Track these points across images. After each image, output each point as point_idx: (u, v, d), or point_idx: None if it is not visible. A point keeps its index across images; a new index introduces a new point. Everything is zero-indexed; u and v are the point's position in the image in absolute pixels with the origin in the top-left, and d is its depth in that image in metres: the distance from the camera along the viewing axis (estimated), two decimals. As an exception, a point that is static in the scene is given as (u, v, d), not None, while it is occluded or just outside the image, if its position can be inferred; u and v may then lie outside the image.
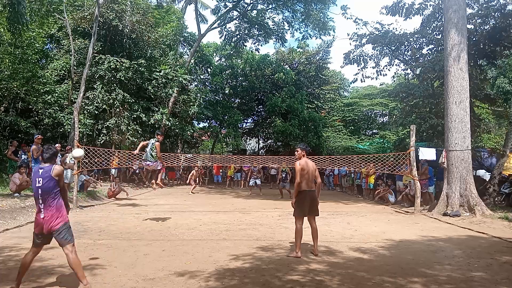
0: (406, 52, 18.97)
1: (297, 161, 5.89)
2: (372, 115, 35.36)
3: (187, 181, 16.97)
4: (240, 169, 21.60)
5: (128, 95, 19.07)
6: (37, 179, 3.91)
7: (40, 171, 3.94)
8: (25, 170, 10.45)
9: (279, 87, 28.45)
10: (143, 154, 9.04)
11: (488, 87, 16.23)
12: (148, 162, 8.73)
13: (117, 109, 18.92)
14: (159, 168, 8.84)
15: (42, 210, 3.89)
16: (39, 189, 3.89)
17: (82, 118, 16.97)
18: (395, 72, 21.49)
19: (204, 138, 29.81)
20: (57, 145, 13.60)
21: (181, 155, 20.17)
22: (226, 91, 28.84)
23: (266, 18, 24.31)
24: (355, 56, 19.00)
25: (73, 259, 3.93)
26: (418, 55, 18.34)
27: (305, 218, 5.81)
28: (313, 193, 5.82)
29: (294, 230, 5.68)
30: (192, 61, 25.19)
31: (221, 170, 22.67)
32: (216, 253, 5.70)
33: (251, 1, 23.77)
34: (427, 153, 12.32)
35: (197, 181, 17.77)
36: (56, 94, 17.60)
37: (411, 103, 18.50)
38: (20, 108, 17.29)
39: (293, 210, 5.81)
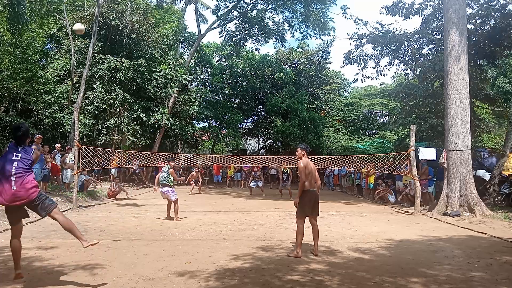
0: (406, 52, 18.98)
1: (299, 160, 5.85)
2: (372, 115, 35.34)
3: (185, 181, 16.90)
4: (240, 169, 21.61)
5: (128, 95, 19.06)
6: (14, 153, 3.90)
7: (19, 148, 3.96)
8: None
9: (279, 87, 28.44)
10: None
11: (488, 87, 16.23)
12: (167, 189, 9.11)
13: (117, 109, 18.91)
14: (173, 199, 9.13)
15: (13, 181, 3.80)
16: (15, 162, 3.85)
17: (82, 118, 16.96)
18: (395, 72, 21.50)
19: (204, 138, 29.81)
20: (57, 145, 13.65)
21: (181, 155, 20.18)
22: (226, 91, 28.83)
23: (266, 18, 24.30)
24: (355, 56, 19.01)
25: (65, 221, 3.97)
26: (418, 55, 18.34)
27: (306, 218, 5.80)
28: (316, 193, 5.80)
29: (296, 230, 5.67)
30: (192, 61, 25.18)
31: (221, 170, 22.67)
32: (216, 253, 5.70)
33: (251, 1, 23.76)
34: (427, 153, 12.33)
35: (198, 182, 17.61)
36: (56, 94, 17.59)
37: (411, 103, 18.50)
38: (20, 108, 17.28)
39: (296, 209, 5.78)
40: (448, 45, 11.07)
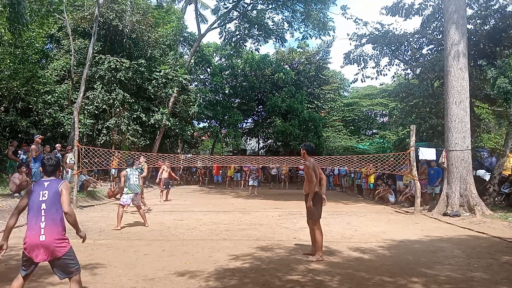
0: (406, 52, 18.97)
1: (305, 162, 5.61)
2: (372, 115, 35.34)
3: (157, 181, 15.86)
4: (240, 169, 21.60)
5: (128, 95, 19.07)
6: (41, 192, 3.21)
7: (45, 183, 3.28)
8: (25, 170, 10.45)
9: (279, 87, 28.44)
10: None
11: (488, 87, 16.22)
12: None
13: (117, 109, 18.92)
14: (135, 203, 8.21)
15: (43, 229, 3.11)
16: (43, 203, 3.17)
17: (82, 118, 16.96)
18: (395, 72, 21.50)
19: (204, 138, 29.80)
20: (57, 145, 13.63)
21: (181, 155, 20.18)
22: (226, 91, 28.83)
23: (266, 18, 24.30)
24: (355, 56, 19.00)
25: None
26: (418, 55, 18.33)
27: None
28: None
29: (318, 233, 5.40)
30: (192, 61, 25.19)
31: (221, 170, 22.66)
32: (216, 253, 5.70)
33: (251, 1, 23.76)
34: (427, 153, 12.32)
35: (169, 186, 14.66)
36: (56, 94, 17.60)
37: (411, 103, 18.49)
38: (20, 108, 17.27)
39: (311, 213, 5.45)
40: (448, 45, 11.07)
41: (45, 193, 3.19)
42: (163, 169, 13.40)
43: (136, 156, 12.84)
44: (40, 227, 3.09)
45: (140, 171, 8.38)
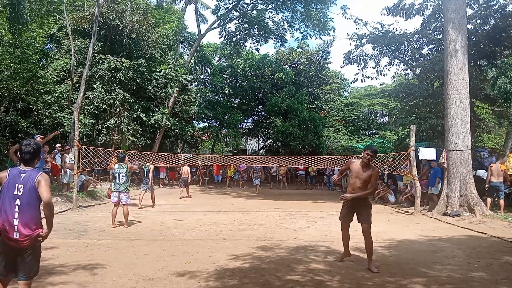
0: (406, 52, 18.99)
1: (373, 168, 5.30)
2: (372, 115, 35.34)
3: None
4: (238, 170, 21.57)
5: (128, 95, 19.06)
6: (16, 185, 3.02)
7: (22, 175, 3.05)
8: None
9: (279, 87, 28.43)
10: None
11: (488, 87, 16.23)
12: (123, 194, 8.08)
13: (117, 109, 18.91)
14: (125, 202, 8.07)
15: (16, 226, 2.96)
16: (17, 199, 2.99)
17: (82, 118, 16.96)
18: (395, 72, 21.50)
19: (204, 138, 29.80)
20: (57, 145, 13.64)
21: (181, 155, 20.17)
22: (226, 91, 28.81)
23: (266, 18, 24.29)
24: (355, 56, 19.02)
25: None
26: (418, 55, 18.34)
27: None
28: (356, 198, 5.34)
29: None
30: (192, 61, 25.18)
31: (221, 170, 22.64)
32: (216, 253, 5.70)
33: (251, 1, 23.75)
34: (427, 153, 12.32)
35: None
36: (56, 94, 17.58)
37: (411, 103, 18.50)
38: (20, 108, 17.26)
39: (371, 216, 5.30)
40: (448, 45, 11.07)
41: (21, 187, 3.01)
42: (187, 170, 15.18)
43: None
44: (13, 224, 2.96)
45: (125, 169, 8.10)
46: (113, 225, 7.83)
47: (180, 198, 14.31)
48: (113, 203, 8.06)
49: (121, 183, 8.02)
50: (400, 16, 16.85)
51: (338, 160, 15.21)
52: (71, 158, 12.14)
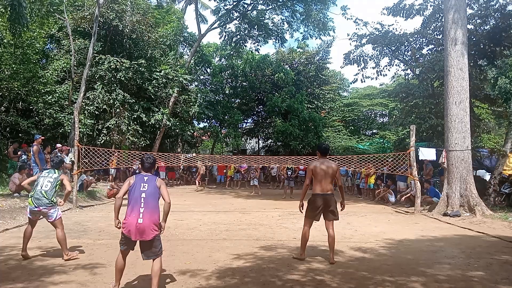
0: (406, 52, 18.98)
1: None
2: (372, 115, 35.34)
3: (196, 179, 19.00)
4: (239, 170, 21.57)
5: (128, 95, 19.06)
6: (142, 184, 4.06)
7: (145, 178, 4.11)
8: (26, 172, 10.45)
9: (279, 87, 28.43)
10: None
11: (488, 87, 16.24)
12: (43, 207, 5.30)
13: (117, 109, 18.91)
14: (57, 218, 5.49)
15: (141, 214, 4.01)
16: (143, 193, 4.02)
17: (82, 118, 16.96)
18: (395, 72, 21.50)
19: (204, 138, 29.81)
20: (58, 145, 13.65)
21: (181, 154, 20.18)
22: (226, 91, 28.83)
23: (266, 18, 24.30)
24: (355, 57, 19.01)
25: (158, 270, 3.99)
26: (418, 55, 18.34)
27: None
28: (326, 197, 5.84)
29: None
30: (192, 61, 25.19)
31: (224, 170, 22.58)
32: (216, 253, 5.71)
33: (251, 2, 23.76)
34: (427, 153, 12.31)
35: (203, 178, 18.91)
36: (57, 94, 17.58)
37: (411, 103, 18.48)
38: (21, 108, 17.28)
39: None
40: (448, 45, 11.08)
41: (145, 185, 4.05)
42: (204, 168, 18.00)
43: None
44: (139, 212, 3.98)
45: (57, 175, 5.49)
46: None
47: (196, 191, 17.86)
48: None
49: (44, 192, 5.38)
50: (400, 16, 16.85)
51: (338, 160, 15.21)
52: (70, 159, 12.15)
